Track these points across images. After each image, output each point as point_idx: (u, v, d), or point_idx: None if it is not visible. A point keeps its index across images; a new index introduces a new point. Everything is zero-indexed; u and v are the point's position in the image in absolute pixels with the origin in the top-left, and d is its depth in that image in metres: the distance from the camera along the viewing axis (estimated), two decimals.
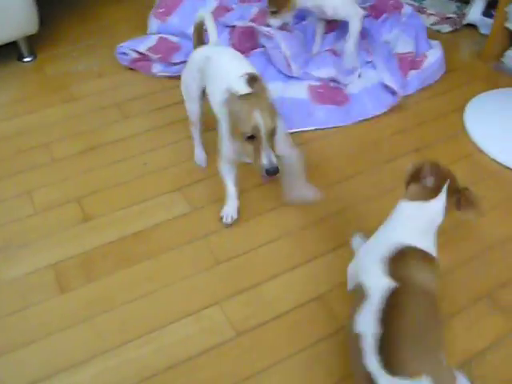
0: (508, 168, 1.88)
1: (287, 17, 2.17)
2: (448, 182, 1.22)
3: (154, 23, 2.48)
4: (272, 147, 1.35)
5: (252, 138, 1.33)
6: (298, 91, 2.12)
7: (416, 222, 1.21)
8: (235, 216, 1.66)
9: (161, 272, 1.53)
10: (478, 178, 1.85)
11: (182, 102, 2.12)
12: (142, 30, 2.49)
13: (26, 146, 1.97)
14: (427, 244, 1.19)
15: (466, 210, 1.23)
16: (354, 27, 2.13)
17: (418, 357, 1.01)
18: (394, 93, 2.13)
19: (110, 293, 1.48)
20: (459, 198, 1.22)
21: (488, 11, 2.58)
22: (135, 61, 2.36)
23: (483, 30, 2.60)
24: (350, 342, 1.10)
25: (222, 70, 1.56)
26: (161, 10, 2.47)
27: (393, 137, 2.01)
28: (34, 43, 2.45)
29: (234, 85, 1.38)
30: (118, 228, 1.66)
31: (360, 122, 2.08)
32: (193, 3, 2.43)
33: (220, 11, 2.41)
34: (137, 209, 1.72)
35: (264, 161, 1.33)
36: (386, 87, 2.14)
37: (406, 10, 2.50)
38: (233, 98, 1.35)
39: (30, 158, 1.92)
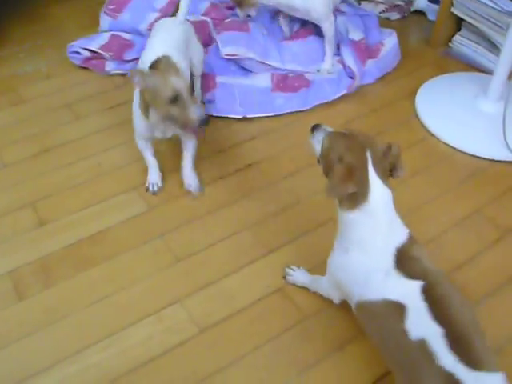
0: (459, 151, 1.92)
1: (250, 11, 2.19)
2: (369, 161, 1.11)
3: (105, 20, 2.43)
4: (195, 102, 1.47)
5: (175, 100, 1.43)
6: (261, 79, 2.15)
7: (384, 220, 1.13)
8: (160, 184, 1.75)
9: (119, 273, 1.51)
10: (431, 162, 1.89)
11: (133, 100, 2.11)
12: (90, 28, 2.44)
13: None
14: (399, 226, 1.16)
15: (397, 169, 1.16)
16: (328, 31, 2.15)
17: (485, 347, 0.97)
18: (352, 78, 2.16)
19: (68, 298, 1.45)
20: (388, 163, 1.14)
21: None
22: (88, 59, 2.32)
23: (431, 17, 2.64)
24: (402, 351, 1.02)
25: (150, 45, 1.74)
26: (111, 7, 2.43)
27: (347, 124, 2.02)
28: None
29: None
30: (75, 231, 1.63)
31: (316, 109, 2.09)
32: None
33: (171, 6, 2.39)
34: (93, 210, 1.70)
35: (194, 115, 1.44)
36: (347, 71, 2.19)
37: None
38: (144, 75, 1.46)
39: None
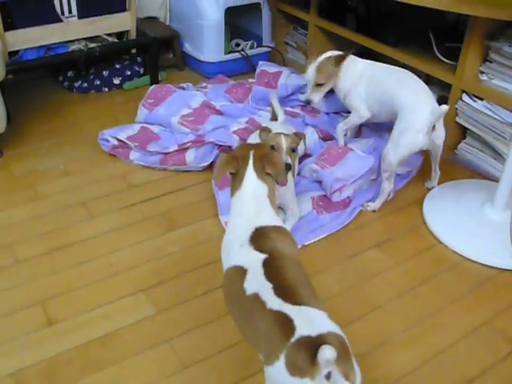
0: (468, 259, 1.93)
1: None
2: (251, 158, 1.39)
3: (142, 112, 2.62)
4: None
5: None
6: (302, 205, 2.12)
7: (251, 207, 1.36)
8: None
9: (126, 379, 1.49)
10: (439, 270, 1.90)
11: (148, 200, 2.18)
12: (109, 128, 2.54)
13: None
14: (271, 219, 1.36)
15: (271, 171, 1.38)
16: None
17: (311, 296, 1.20)
18: None
19: None
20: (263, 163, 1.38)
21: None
22: (115, 148, 2.46)
23: None
24: (242, 307, 1.24)
25: None
26: (150, 101, 2.62)
27: (355, 231, 2.06)
28: (1, 141, 2.48)
29: None
30: (83, 332, 1.63)
31: None
32: (181, 97, 2.62)
33: (204, 108, 2.59)
34: (101, 312, 1.70)
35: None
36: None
37: None
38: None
39: None
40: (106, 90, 3.08)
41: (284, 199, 2.01)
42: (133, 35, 3.03)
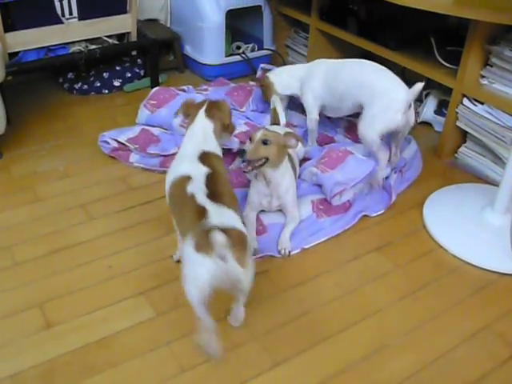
0: (468, 263, 1.93)
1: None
2: (205, 104, 1.82)
3: (143, 113, 2.62)
4: None
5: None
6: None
7: (200, 136, 1.76)
8: None
9: (124, 383, 1.49)
10: (439, 274, 1.89)
11: (147, 202, 2.17)
12: (109, 130, 2.54)
13: None
14: (214, 148, 1.75)
15: (217, 113, 1.80)
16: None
17: (233, 204, 1.56)
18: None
19: None
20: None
21: (440, 110, 2.73)
22: (115, 150, 2.47)
23: (437, 128, 2.74)
24: (180, 203, 1.59)
25: None
26: (152, 102, 2.62)
27: (355, 235, 2.05)
28: (0, 142, 2.48)
29: None
30: (82, 335, 1.62)
31: None
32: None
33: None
34: (100, 314, 1.69)
35: None
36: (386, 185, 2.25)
37: None
38: None
39: None
40: (107, 91, 3.07)
41: (284, 202, 2.00)
42: (133, 37, 3.03)
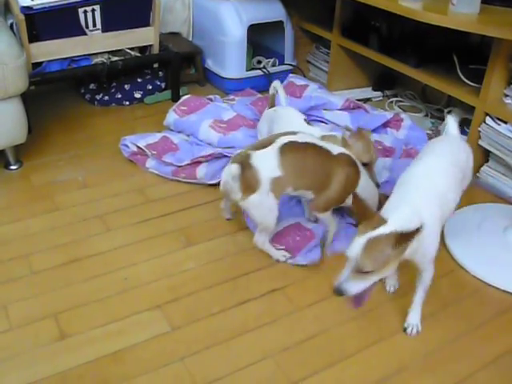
0: (489, 285, 1.89)
1: None
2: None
3: (171, 116, 2.68)
4: None
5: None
6: None
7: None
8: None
9: None
10: (460, 295, 1.85)
11: (165, 215, 2.16)
12: None
13: (5, 256, 1.94)
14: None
15: None
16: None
17: None
18: None
19: None
20: None
21: (461, 128, 2.69)
22: (134, 154, 2.50)
23: None
24: None
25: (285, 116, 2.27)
26: (183, 108, 2.68)
27: None
28: (21, 151, 2.49)
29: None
30: (96, 347, 1.61)
31: None
32: (215, 109, 2.68)
33: (238, 119, 2.64)
34: (115, 327, 1.68)
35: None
36: None
37: (406, 122, 2.71)
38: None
39: (7, 270, 1.88)
40: (127, 103, 3.09)
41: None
42: (156, 50, 3.05)
